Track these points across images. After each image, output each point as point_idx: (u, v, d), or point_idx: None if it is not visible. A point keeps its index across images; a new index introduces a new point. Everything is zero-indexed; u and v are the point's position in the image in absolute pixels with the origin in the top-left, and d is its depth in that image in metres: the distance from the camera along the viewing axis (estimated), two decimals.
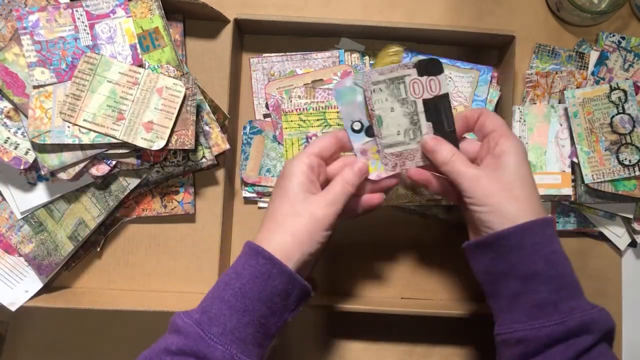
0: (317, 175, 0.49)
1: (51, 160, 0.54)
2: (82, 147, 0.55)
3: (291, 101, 0.62)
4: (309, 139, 0.61)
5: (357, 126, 0.50)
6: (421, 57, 0.60)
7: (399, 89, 0.48)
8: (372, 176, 0.50)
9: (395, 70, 0.48)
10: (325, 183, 0.50)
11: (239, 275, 0.45)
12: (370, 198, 0.51)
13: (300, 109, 0.62)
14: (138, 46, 0.56)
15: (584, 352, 0.42)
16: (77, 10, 0.55)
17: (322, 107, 0.62)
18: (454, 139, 0.48)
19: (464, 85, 0.62)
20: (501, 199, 0.45)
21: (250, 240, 0.48)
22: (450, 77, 0.63)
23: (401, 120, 0.49)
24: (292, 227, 0.47)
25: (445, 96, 0.48)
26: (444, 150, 0.48)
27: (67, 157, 0.54)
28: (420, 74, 0.48)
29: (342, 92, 0.49)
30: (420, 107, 0.48)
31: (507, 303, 0.45)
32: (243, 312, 0.44)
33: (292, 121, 0.62)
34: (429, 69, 0.48)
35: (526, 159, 0.47)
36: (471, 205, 0.46)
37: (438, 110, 0.48)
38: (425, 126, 0.49)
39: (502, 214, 0.45)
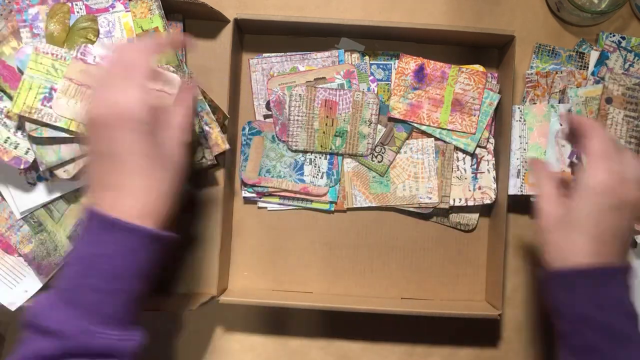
0: None
1: (49, 157, 0.54)
2: (79, 140, 0.54)
3: (292, 103, 0.62)
4: (53, 92, 0.53)
5: None
6: None
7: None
8: None
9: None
10: None
11: (102, 257, 0.40)
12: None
13: (58, 56, 0.53)
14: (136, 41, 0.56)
15: None
16: (76, 4, 0.55)
17: None
18: None
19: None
20: (559, 237, 0.45)
21: (93, 206, 0.41)
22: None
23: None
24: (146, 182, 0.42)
25: None
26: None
27: (65, 151, 0.54)
28: None
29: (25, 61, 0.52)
30: None
31: (560, 338, 0.46)
32: (119, 292, 0.41)
33: (41, 64, 0.53)
34: None
35: (604, 197, 0.44)
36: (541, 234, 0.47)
37: None
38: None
39: (559, 252, 0.45)
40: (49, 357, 0.39)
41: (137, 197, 0.41)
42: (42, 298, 0.41)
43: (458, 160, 0.64)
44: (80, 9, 0.55)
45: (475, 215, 0.64)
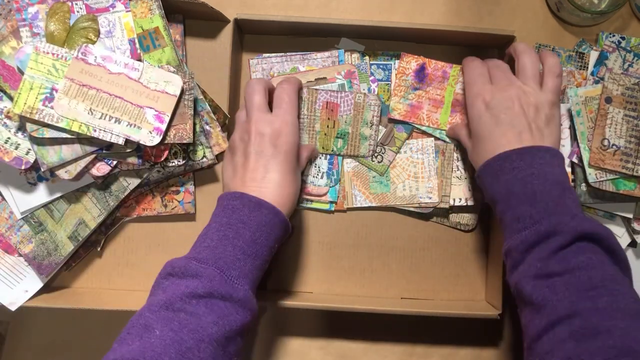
0: None
1: (50, 157, 0.54)
2: (79, 141, 0.54)
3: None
4: (54, 92, 0.53)
5: None
6: None
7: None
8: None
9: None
10: None
11: (246, 225, 0.49)
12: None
13: (59, 56, 0.54)
14: (137, 40, 0.56)
15: (558, 250, 0.46)
16: (76, 4, 0.55)
17: None
18: None
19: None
20: (477, 153, 0.54)
21: (239, 191, 0.52)
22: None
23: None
24: (281, 178, 0.53)
25: None
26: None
27: (66, 152, 0.54)
28: None
29: (25, 61, 0.53)
30: None
31: (501, 223, 0.52)
32: (255, 257, 0.49)
33: (42, 64, 0.54)
34: None
35: (474, 107, 0.54)
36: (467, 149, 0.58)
37: None
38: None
39: (480, 160, 0.53)
40: (195, 295, 0.45)
41: (274, 189, 0.52)
42: (182, 257, 0.49)
43: (458, 160, 0.64)
44: (81, 8, 0.55)
45: (475, 215, 0.64)
